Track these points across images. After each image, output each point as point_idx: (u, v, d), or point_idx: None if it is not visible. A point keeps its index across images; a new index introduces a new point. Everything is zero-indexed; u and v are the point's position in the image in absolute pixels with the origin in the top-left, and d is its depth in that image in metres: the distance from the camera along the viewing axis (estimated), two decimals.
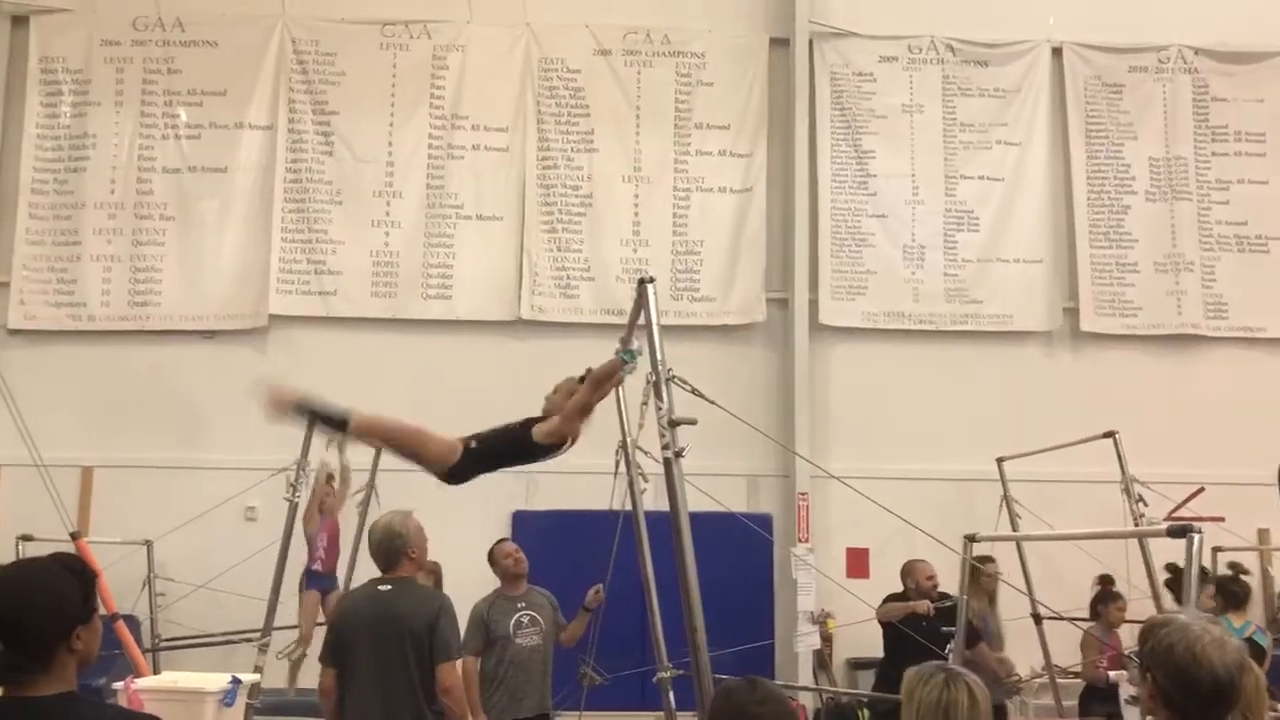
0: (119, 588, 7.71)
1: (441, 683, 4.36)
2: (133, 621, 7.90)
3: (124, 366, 9.22)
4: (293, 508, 7.38)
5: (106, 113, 9.49)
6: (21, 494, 8.76)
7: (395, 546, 4.56)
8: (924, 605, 6.54)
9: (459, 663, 4.59)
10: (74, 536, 7.18)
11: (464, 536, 7.40)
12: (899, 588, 7.12)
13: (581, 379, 4.53)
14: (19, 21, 9.57)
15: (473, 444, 4.55)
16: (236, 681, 6.17)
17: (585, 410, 4.44)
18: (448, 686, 4.36)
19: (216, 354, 9.29)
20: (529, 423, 4.53)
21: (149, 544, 8.21)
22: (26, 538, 7.74)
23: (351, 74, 9.57)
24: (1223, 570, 7.76)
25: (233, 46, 9.58)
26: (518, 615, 6.04)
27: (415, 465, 4.63)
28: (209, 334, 9.31)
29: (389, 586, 4.54)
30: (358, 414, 4.64)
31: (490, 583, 6.40)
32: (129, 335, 9.28)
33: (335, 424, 4.67)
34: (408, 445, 4.68)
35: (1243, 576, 7.00)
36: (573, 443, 4.51)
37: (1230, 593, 6.58)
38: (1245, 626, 6.31)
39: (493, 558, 6.35)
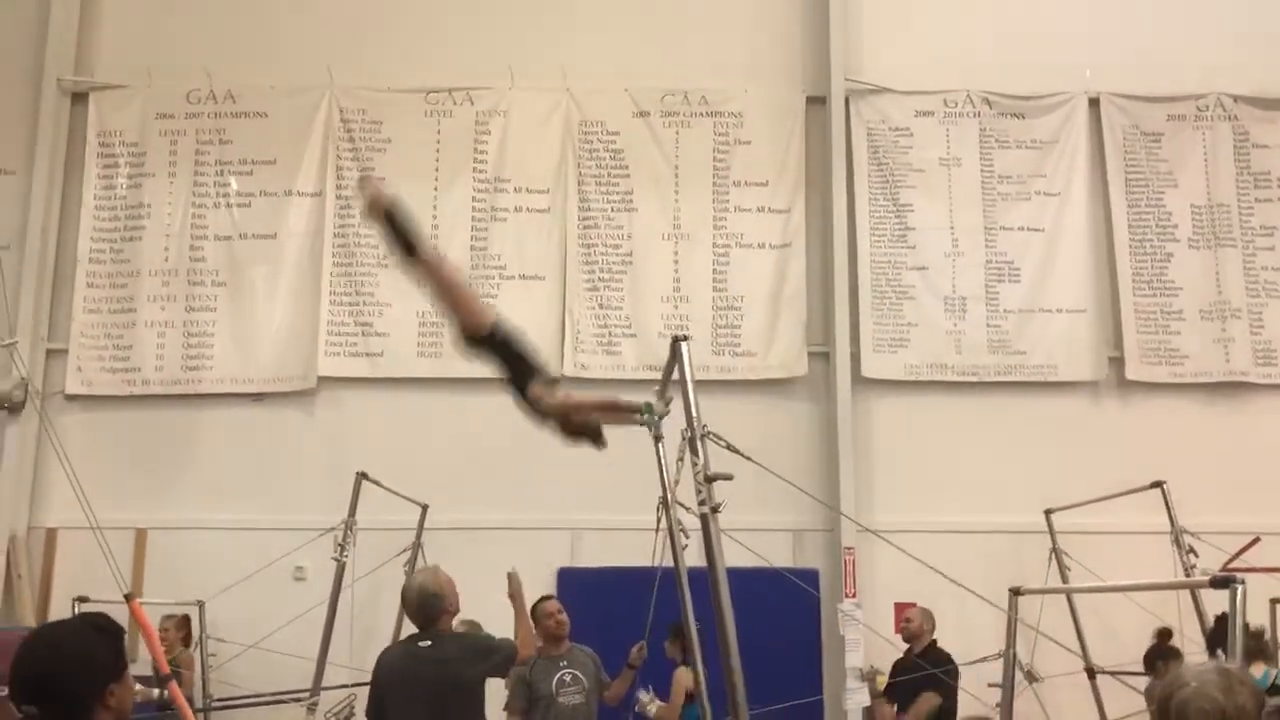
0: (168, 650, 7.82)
1: None
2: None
3: (177, 430, 9.40)
4: (340, 567, 7.47)
5: (161, 183, 9.78)
6: (77, 556, 8.95)
7: (433, 605, 4.63)
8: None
9: None
10: (128, 598, 7.29)
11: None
12: (950, 643, 7.09)
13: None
14: (79, 98, 9.91)
15: (497, 332, 4.74)
16: None
17: (576, 409, 4.51)
18: None
19: (266, 416, 9.45)
20: (538, 373, 4.65)
21: (200, 605, 8.32)
22: (82, 599, 7.85)
23: (397, 141, 9.80)
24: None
25: (282, 117, 9.85)
26: (560, 674, 6.06)
27: (446, 313, 4.86)
28: (258, 397, 9.48)
29: (429, 642, 4.59)
30: (427, 248, 4.88)
31: None
32: (182, 399, 9.47)
33: (405, 245, 4.82)
34: (454, 295, 4.89)
35: (1262, 635, 6.81)
36: (563, 435, 4.57)
37: (1246, 648, 6.43)
38: (1265, 675, 6.19)
39: (535, 615, 6.38)
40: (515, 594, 5.07)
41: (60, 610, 8.62)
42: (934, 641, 7.74)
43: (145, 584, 8.89)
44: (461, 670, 4.43)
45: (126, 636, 2.36)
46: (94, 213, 9.75)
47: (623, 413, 4.64)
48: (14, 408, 9.24)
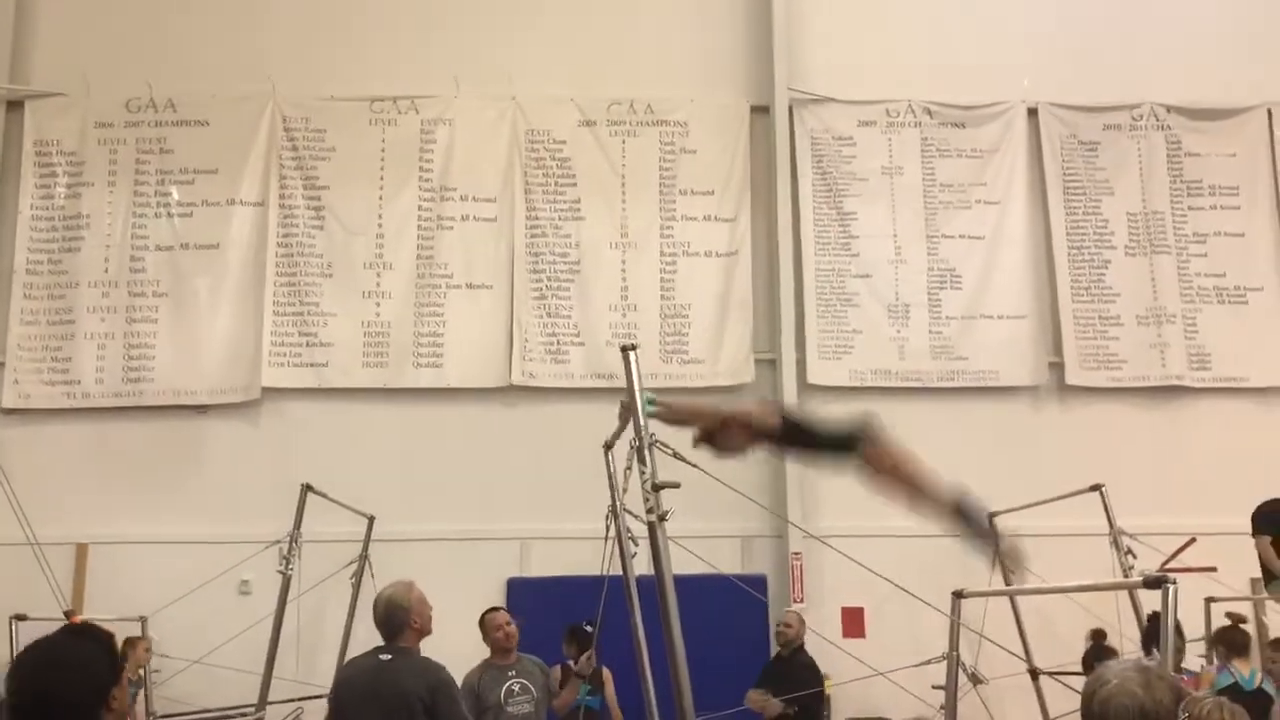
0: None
1: None
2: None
3: (118, 443, 9.26)
4: (286, 580, 7.40)
5: (100, 193, 9.64)
6: (15, 573, 8.74)
7: (399, 619, 4.59)
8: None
9: None
10: (68, 615, 7.18)
11: (457, 603, 7.38)
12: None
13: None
14: (14, 106, 9.74)
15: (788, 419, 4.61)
16: None
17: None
18: None
19: (210, 428, 9.34)
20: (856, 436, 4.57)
21: (143, 620, 8.19)
22: (21, 617, 7.70)
23: (341, 149, 9.74)
24: (1219, 620, 7.79)
25: (224, 125, 9.75)
26: (508, 684, 6.06)
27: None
28: (202, 409, 9.37)
29: (390, 656, 4.56)
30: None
31: (482, 650, 6.41)
32: (123, 412, 9.33)
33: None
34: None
35: (1242, 625, 6.99)
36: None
37: (1233, 642, 6.59)
38: (1253, 675, 6.32)
39: (484, 627, 6.37)
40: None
41: None
42: (802, 645, 8.01)
43: (87, 600, 8.74)
44: (410, 687, 4.40)
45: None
46: (31, 223, 9.59)
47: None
48: None
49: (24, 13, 9.88)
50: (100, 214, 9.61)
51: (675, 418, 4.44)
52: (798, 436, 4.42)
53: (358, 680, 4.61)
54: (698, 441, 4.39)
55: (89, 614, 7.90)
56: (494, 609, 6.76)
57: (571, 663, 7.01)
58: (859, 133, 10.01)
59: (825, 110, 10.01)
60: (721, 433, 4.35)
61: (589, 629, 7.16)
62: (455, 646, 7.44)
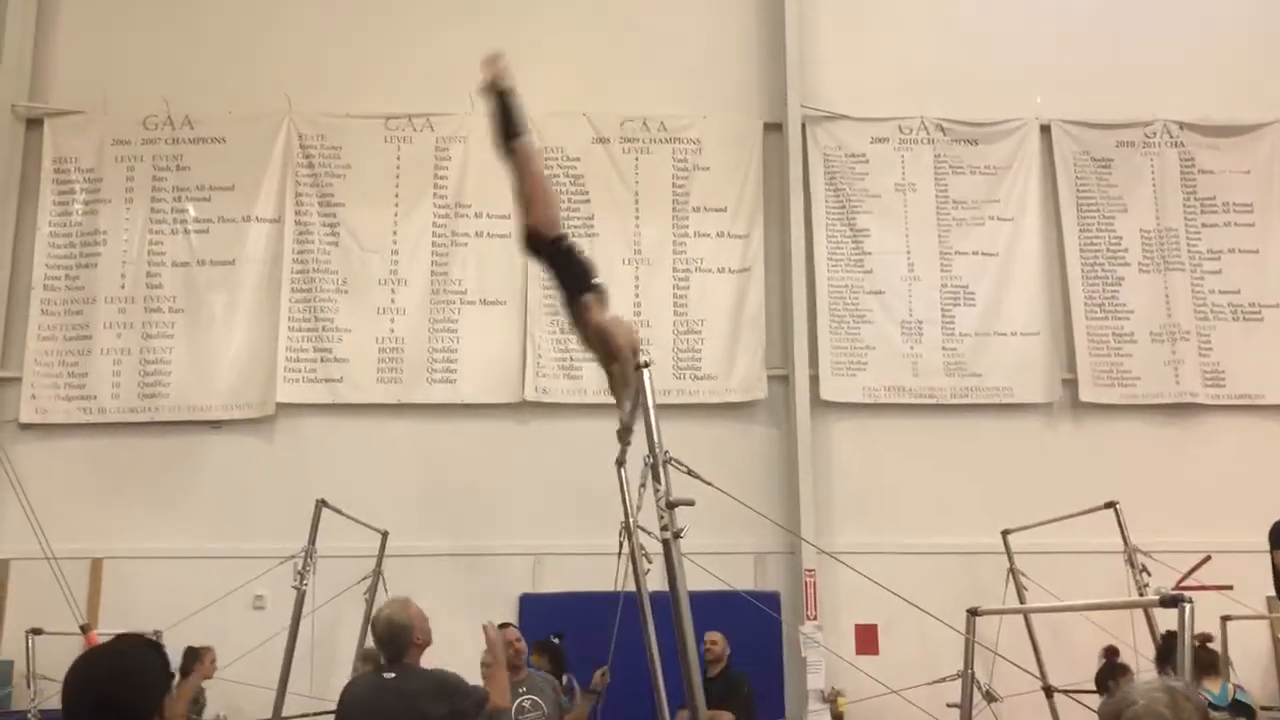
0: None
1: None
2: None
3: (133, 458, 9.31)
4: (300, 596, 7.42)
5: (117, 209, 9.71)
6: (31, 587, 8.81)
7: (401, 637, 4.59)
8: None
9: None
10: (84, 629, 7.21)
11: (469, 619, 7.41)
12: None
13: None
14: (33, 124, 9.84)
15: (564, 240, 5.14)
16: None
17: (608, 334, 4.86)
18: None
19: (225, 444, 9.38)
20: (593, 288, 4.98)
21: (158, 635, 8.20)
22: (36, 631, 7.77)
23: (357, 166, 9.80)
24: (1235, 638, 7.75)
25: (240, 143, 9.82)
26: (519, 700, 6.06)
27: (522, 207, 5.15)
28: (217, 424, 9.41)
29: (394, 675, 4.56)
30: (528, 137, 5.23)
31: None
32: (139, 427, 9.38)
33: (509, 129, 5.18)
34: (538, 190, 5.21)
35: (1209, 644, 6.93)
36: (599, 357, 4.73)
37: (1199, 660, 6.54)
38: (1225, 689, 6.29)
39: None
40: (492, 645, 5.03)
41: (14, 642, 8.49)
42: (729, 663, 7.89)
43: (101, 614, 8.77)
44: (426, 706, 4.39)
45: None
46: (49, 239, 9.66)
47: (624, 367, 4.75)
48: None
49: (43, 31, 9.98)
50: (117, 230, 9.69)
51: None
52: (564, 256, 4.75)
53: (365, 700, 4.60)
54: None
55: (104, 628, 7.93)
56: (504, 625, 6.76)
57: (565, 678, 6.98)
58: (872, 149, 10.03)
59: (838, 127, 10.03)
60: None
61: (556, 640, 7.17)
62: (468, 663, 7.47)
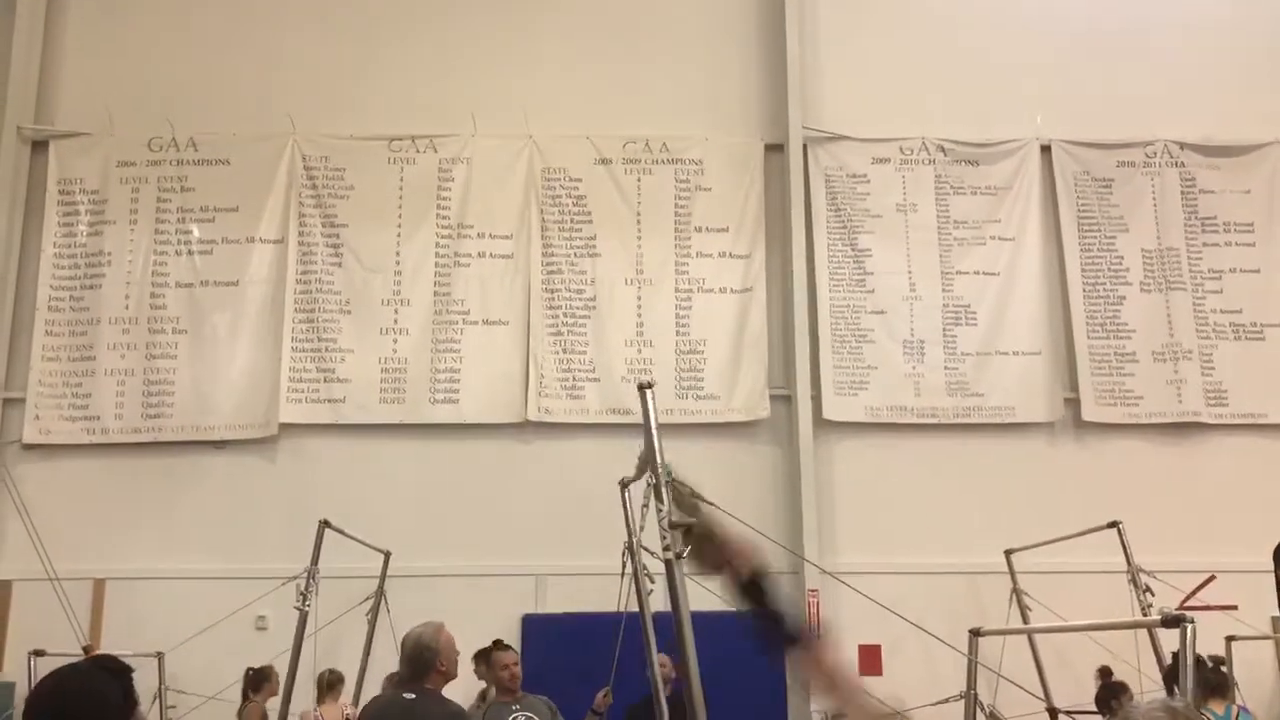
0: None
1: None
2: None
3: (137, 478, 9.32)
4: (303, 617, 7.41)
5: (121, 231, 9.76)
6: (34, 608, 8.83)
7: (426, 659, 4.58)
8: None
9: None
10: (86, 650, 7.21)
11: (472, 639, 7.41)
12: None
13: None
14: (39, 146, 9.89)
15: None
16: None
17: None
18: None
19: (228, 464, 9.39)
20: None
21: (160, 656, 8.20)
22: (39, 652, 7.74)
23: (360, 188, 9.85)
24: (1240, 659, 7.72)
25: (245, 164, 9.88)
26: (512, 716, 6.04)
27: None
28: (220, 445, 9.42)
29: (413, 696, 4.55)
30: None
31: None
32: (142, 447, 9.39)
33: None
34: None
35: (1221, 667, 6.90)
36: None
37: (1207, 682, 6.52)
38: (1228, 711, 6.27)
39: (490, 663, 6.38)
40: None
41: (16, 664, 8.48)
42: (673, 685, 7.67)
43: (104, 635, 8.76)
44: None
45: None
46: (53, 260, 9.70)
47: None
48: None
49: (49, 54, 10.05)
50: (122, 251, 9.73)
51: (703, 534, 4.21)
52: (752, 594, 4.11)
53: (384, 718, 4.60)
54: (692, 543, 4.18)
55: (106, 649, 7.92)
56: (504, 647, 6.73)
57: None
58: (873, 170, 10.07)
59: (839, 148, 10.07)
60: (709, 547, 4.14)
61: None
62: (471, 682, 7.49)
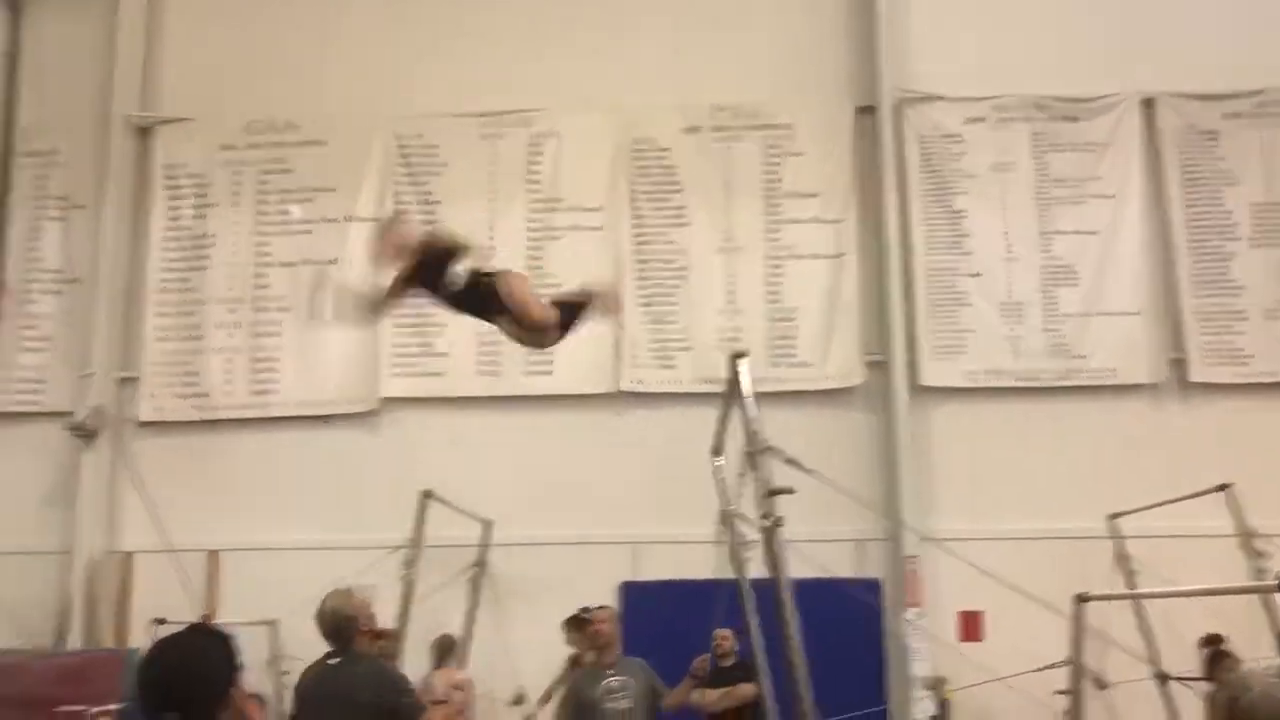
0: (246, 667, 7.99)
1: None
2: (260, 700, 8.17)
3: (246, 453, 9.63)
4: (408, 585, 7.61)
5: (225, 213, 10.04)
6: (153, 579, 9.22)
7: (347, 627, 4.67)
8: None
9: None
10: (205, 618, 7.51)
11: (572, 606, 7.57)
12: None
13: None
14: (145, 133, 10.21)
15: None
16: None
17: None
18: None
19: (333, 438, 9.64)
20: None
21: (273, 624, 8.50)
22: (160, 621, 8.09)
23: (453, 165, 9.97)
24: None
25: (341, 144, 10.06)
26: (606, 681, 6.10)
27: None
28: (325, 419, 9.67)
29: (338, 660, 4.64)
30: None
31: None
32: (250, 423, 9.69)
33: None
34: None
35: None
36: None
37: None
38: None
39: (586, 623, 6.48)
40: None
41: (139, 632, 8.86)
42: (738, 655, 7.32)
43: (220, 604, 9.10)
44: (356, 693, 4.43)
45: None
46: (162, 244, 10.03)
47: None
48: (90, 436, 9.51)
49: (152, 42, 10.34)
50: (226, 233, 10.01)
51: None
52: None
53: (310, 686, 4.72)
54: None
55: (222, 618, 8.25)
56: (600, 607, 6.80)
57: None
58: (967, 130, 9.86)
59: (932, 108, 9.89)
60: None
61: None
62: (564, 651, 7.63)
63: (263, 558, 9.23)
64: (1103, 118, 9.85)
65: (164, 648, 2.44)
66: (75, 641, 9.18)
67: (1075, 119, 9.86)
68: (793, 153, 9.91)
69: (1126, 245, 9.64)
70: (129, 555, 9.49)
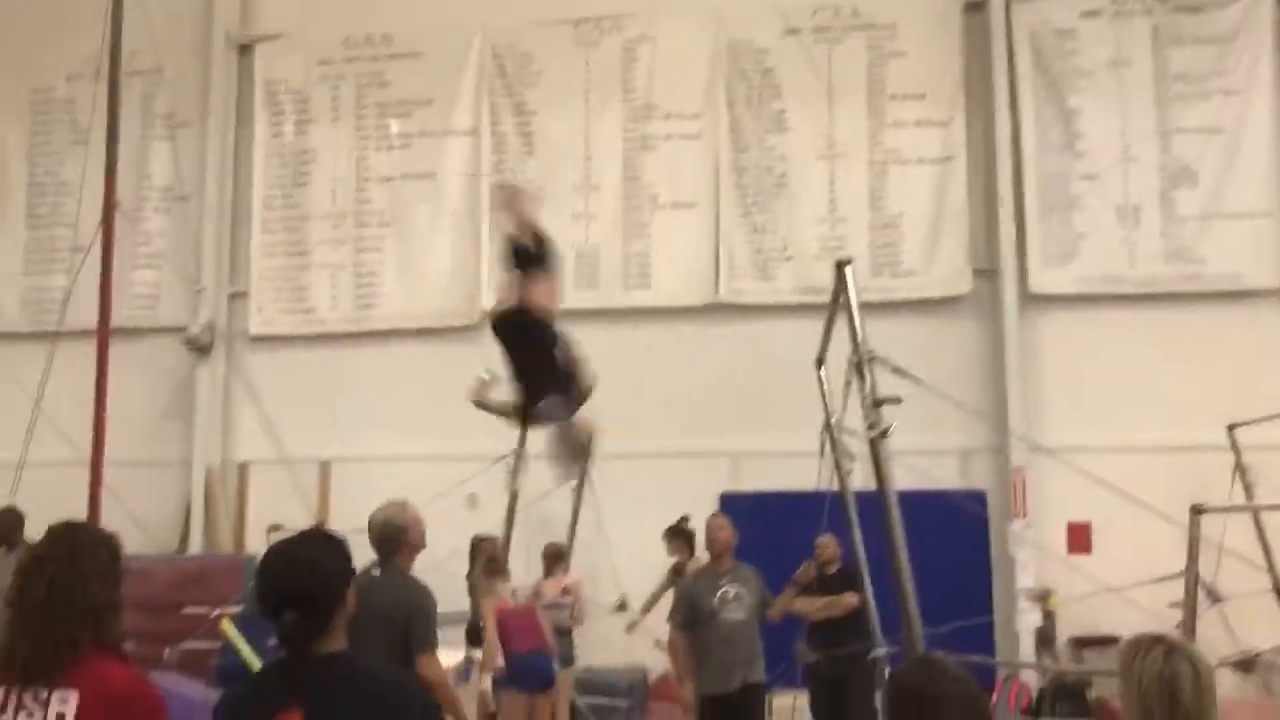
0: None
1: (421, 674, 4.28)
2: None
3: (353, 366, 9.82)
4: (513, 495, 7.72)
5: (325, 129, 10.12)
6: (269, 488, 9.52)
7: (395, 538, 4.69)
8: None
9: (437, 655, 4.63)
10: (317, 525, 7.73)
11: (672, 518, 7.63)
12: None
13: None
14: (245, 50, 10.30)
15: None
16: (470, 662, 6.54)
17: None
18: (428, 678, 4.27)
19: (435, 351, 9.75)
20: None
21: None
22: (276, 527, 8.37)
23: (548, 74, 9.87)
24: None
25: (436, 56, 10.03)
26: (722, 590, 6.14)
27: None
28: (426, 332, 9.77)
29: (379, 572, 4.66)
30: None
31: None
32: (356, 337, 9.88)
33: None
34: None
35: None
36: None
37: None
38: None
39: (688, 533, 6.54)
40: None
41: (256, 538, 9.19)
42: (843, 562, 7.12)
43: (332, 512, 9.37)
44: (388, 609, 4.43)
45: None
46: (265, 161, 10.19)
47: None
48: (204, 350, 9.80)
49: None
50: (326, 149, 10.10)
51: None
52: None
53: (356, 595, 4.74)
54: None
55: (335, 525, 8.47)
56: (715, 514, 6.84)
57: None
58: (1082, 24, 9.39)
59: (1044, 3, 9.43)
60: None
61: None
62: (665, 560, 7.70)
63: (371, 468, 9.43)
64: (1229, 8, 9.29)
65: (280, 551, 2.50)
66: (196, 547, 9.58)
67: (1199, 10, 9.33)
68: (897, 53, 9.58)
69: (1253, 144, 9.16)
70: (245, 465, 9.81)
